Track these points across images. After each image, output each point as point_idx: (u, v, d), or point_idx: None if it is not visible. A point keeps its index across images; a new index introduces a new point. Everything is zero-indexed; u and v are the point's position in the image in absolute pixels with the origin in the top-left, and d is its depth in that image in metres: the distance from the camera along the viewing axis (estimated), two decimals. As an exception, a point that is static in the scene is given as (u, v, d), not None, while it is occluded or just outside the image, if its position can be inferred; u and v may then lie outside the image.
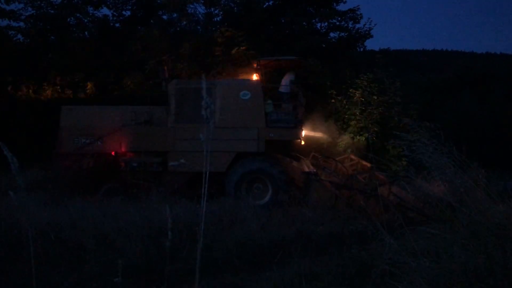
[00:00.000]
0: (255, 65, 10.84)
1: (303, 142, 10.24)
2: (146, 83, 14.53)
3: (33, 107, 14.26)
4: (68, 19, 17.12)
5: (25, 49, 15.89)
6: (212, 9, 18.56)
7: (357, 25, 18.69)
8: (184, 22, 18.19)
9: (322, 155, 11.12)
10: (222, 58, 14.28)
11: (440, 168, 3.93)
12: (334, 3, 18.88)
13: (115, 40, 16.67)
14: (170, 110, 9.60)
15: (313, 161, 10.57)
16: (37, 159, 11.14)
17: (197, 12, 18.36)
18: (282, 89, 10.61)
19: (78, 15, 17.18)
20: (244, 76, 12.88)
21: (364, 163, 10.57)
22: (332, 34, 19.25)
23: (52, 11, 16.68)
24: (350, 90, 13.65)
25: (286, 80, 10.68)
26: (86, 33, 17.97)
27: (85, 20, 17.52)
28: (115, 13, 18.69)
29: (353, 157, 11.09)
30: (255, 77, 10.63)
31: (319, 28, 19.00)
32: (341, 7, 19.23)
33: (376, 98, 13.30)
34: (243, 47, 14.05)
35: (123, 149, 9.67)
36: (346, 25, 18.84)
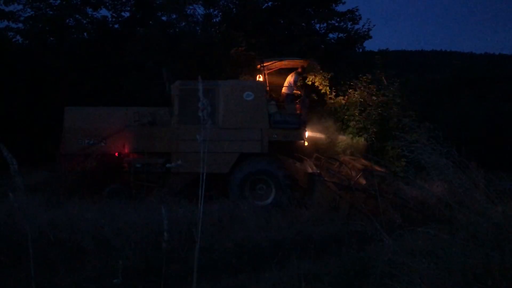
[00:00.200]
0: (258, 66, 10.85)
1: (306, 143, 10.26)
2: (144, 84, 14.53)
3: (32, 108, 14.25)
4: (67, 20, 17.10)
5: (24, 50, 15.88)
6: (211, 10, 18.57)
7: (356, 26, 18.71)
8: (183, 23, 18.19)
9: (326, 156, 11.12)
10: (221, 59, 14.28)
11: (438, 169, 3.94)
12: (333, 4, 18.90)
13: (114, 41, 16.66)
14: (174, 111, 9.60)
15: (316, 162, 10.58)
16: (37, 160, 11.14)
17: (196, 13, 18.37)
18: (285, 90, 10.62)
19: (77, 16, 17.15)
20: (244, 77, 12.91)
21: (364, 162, 10.56)
22: (331, 35, 19.27)
23: (51, 12, 16.65)
24: (349, 91, 13.66)
25: (289, 81, 10.69)
26: (85, 34, 17.96)
27: (84, 21, 17.50)
28: (114, 14, 18.67)
29: (353, 157, 11.08)
30: (258, 78, 10.65)
31: (318, 29, 19.02)
32: (340, 8, 19.28)
33: (375, 98, 13.30)
34: (242, 48, 14.06)
35: (126, 150, 9.69)
36: (345, 26, 18.85)
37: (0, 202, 6.14)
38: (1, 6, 15.85)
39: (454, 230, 3.61)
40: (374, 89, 13.42)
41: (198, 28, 18.65)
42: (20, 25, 16.41)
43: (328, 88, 13.70)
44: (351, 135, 13.03)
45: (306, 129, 10.18)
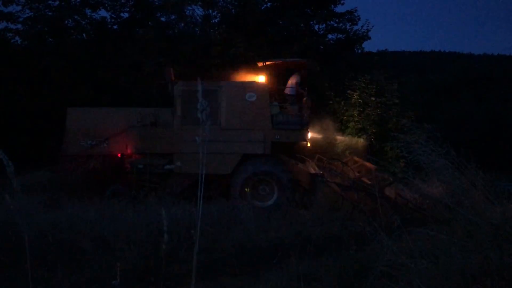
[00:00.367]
0: (260, 67, 10.87)
1: (309, 144, 10.28)
2: (143, 85, 14.53)
3: (31, 109, 14.24)
4: (66, 21, 17.09)
5: (23, 51, 15.87)
6: (210, 11, 18.58)
7: (355, 27, 18.73)
8: (182, 24, 18.20)
9: (328, 157, 11.12)
10: (220, 60, 14.29)
11: (437, 170, 3.95)
12: (332, 5, 18.92)
13: (113, 42, 16.66)
14: (176, 112, 9.61)
15: (318, 163, 10.59)
16: (37, 161, 11.14)
17: (195, 14, 18.39)
18: (288, 91, 10.64)
19: (76, 17, 17.14)
20: (244, 78, 12.91)
21: (368, 164, 10.57)
22: (330, 36, 19.29)
23: (50, 13, 16.64)
24: (348, 92, 13.68)
25: (292, 82, 10.71)
26: (84, 35, 17.95)
27: (83, 22, 17.49)
28: (113, 15, 18.66)
29: (356, 159, 11.09)
30: (261, 79, 10.66)
31: (317, 29, 19.04)
32: (339, 8, 19.29)
33: (374, 99, 13.32)
34: (240, 49, 14.07)
35: (129, 151, 9.69)
36: (344, 26, 18.87)
37: (-1, 203, 6.14)
38: (0, 7, 15.86)
39: (452, 230, 3.61)
40: (373, 90, 13.44)
41: (197, 29, 18.67)
42: (19, 26, 16.41)
43: (327, 88, 13.73)
44: (350, 136, 13.05)
45: (309, 129, 10.19)
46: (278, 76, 12.08)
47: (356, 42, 18.83)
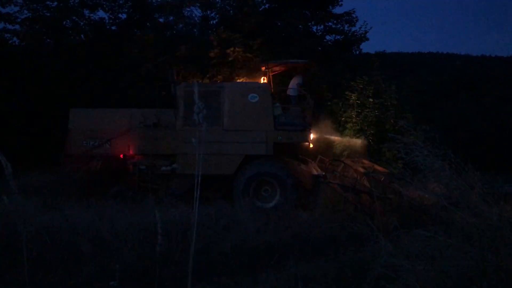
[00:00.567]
0: (263, 68, 10.88)
1: (311, 145, 10.28)
2: (141, 86, 14.52)
3: (29, 110, 14.21)
4: (64, 22, 17.07)
5: (21, 52, 15.84)
6: (209, 12, 18.60)
7: (353, 28, 18.80)
8: (181, 25, 18.21)
9: (330, 158, 11.12)
10: (218, 61, 14.30)
11: (435, 171, 3.96)
12: (330, 6, 18.96)
13: (111, 43, 16.65)
14: (179, 113, 9.60)
15: (320, 164, 10.59)
16: (36, 162, 11.11)
17: (193, 15, 18.40)
18: (290, 92, 10.64)
19: (74, 18, 17.13)
20: (243, 79, 12.93)
21: (365, 162, 10.53)
22: (328, 37, 19.35)
23: (48, 14, 16.61)
24: (346, 93, 13.70)
25: (294, 83, 10.72)
26: (82, 36, 17.94)
27: (81, 23, 17.49)
28: (111, 16, 18.67)
29: (365, 161, 11.04)
30: (263, 80, 10.67)
31: (315, 31, 19.07)
32: (337, 10, 19.31)
33: (372, 100, 13.34)
34: (239, 48, 14.07)
35: (131, 152, 9.68)
36: (342, 28, 18.92)
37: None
38: (-2, 8, 15.83)
39: (450, 232, 3.62)
40: (371, 91, 13.47)
41: (195, 30, 18.68)
42: (17, 26, 16.38)
43: (325, 90, 13.75)
44: (348, 137, 13.06)
45: (311, 130, 10.20)
46: (280, 77, 12.09)
47: (354, 43, 18.88)
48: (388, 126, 13.04)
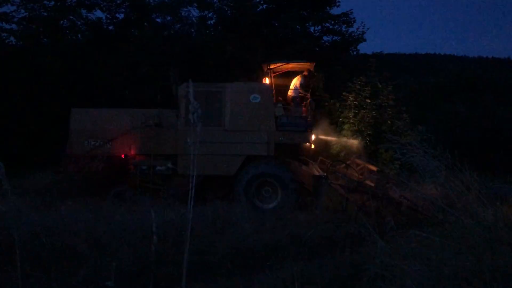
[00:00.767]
0: (265, 69, 10.87)
1: (313, 146, 10.27)
2: (139, 85, 14.50)
3: (26, 110, 14.17)
4: (61, 22, 17.04)
5: (18, 51, 15.79)
6: (206, 12, 18.59)
7: (350, 29, 18.81)
8: (178, 25, 18.20)
9: (331, 159, 11.11)
10: (215, 62, 14.29)
11: (431, 171, 3.96)
12: (328, 7, 18.98)
13: (109, 43, 16.62)
14: (180, 113, 9.58)
15: (320, 166, 10.59)
16: (35, 162, 11.09)
17: (191, 15, 18.39)
18: (291, 92, 10.64)
19: (71, 17, 17.10)
20: (240, 79, 12.91)
21: (370, 166, 10.55)
22: (325, 38, 19.36)
23: (45, 14, 16.58)
24: (344, 94, 13.70)
25: (295, 83, 10.71)
26: (79, 35, 17.90)
27: (78, 23, 17.46)
28: (108, 16, 18.63)
29: (358, 161, 11.07)
30: (265, 80, 10.65)
31: (312, 31, 19.09)
32: (334, 11, 19.34)
33: (369, 101, 13.35)
34: (236, 50, 14.08)
35: (132, 152, 9.67)
36: (339, 28, 18.94)
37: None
38: (-5, 7, 15.78)
39: (445, 232, 3.63)
40: (368, 92, 13.47)
41: (193, 30, 18.67)
42: (14, 26, 16.34)
43: (322, 90, 13.74)
44: (345, 138, 13.06)
45: (313, 131, 10.20)
46: (282, 78, 12.08)
47: (352, 44, 18.91)
48: (385, 127, 13.04)
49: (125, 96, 14.32)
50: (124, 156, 9.74)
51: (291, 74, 11.63)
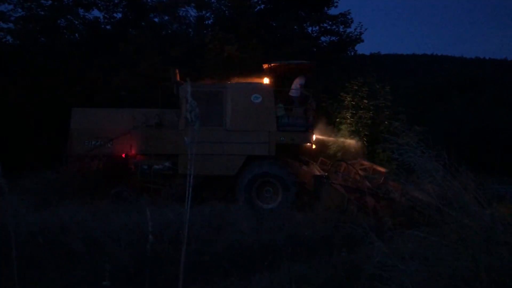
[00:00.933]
0: (266, 69, 10.86)
1: (314, 146, 10.28)
2: (136, 85, 14.46)
3: (23, 109, 14.11)
4: (59, 21, 16.97)
5: (15, 51, 15.72)
6: (204, 12, 18.58)
7: (348, 29, 18.85)
8: (176, 25, 18.17)
9: (331, 160, 11.11)
10: (213, 62, 14.27)
11: (428, 172, 3.96)
12: (325, 7, 19.00)
13: (106, 43, 16.57)
14: (181, 113, 9.57)
15: (321, 166, 10.59)
16: (33, 161, 11.03)
17: (189, 15, 18.38)
18: (293, 93, 10.65)
19: (68, 17, 17.03)
20: (238, 79, 12.90)
21: (379, 168, 10.51)
22: (323, 38, 19.40)
23: (42, 13, 16.49)
24: (341, 94, 13.72)
25: (296, 84, 10.73)
26: (76, 35, 17.83)
27: (76, 22, 17.38)
28: (106, 15, 18.57)
29: (365, 162, 11.03)
30: (266, 80, 10.65)
31: (310, 32, 19.10)
32: (332, 11, 19.37)
33: (366, 102, 13.37)
34: (235, 47, 14.06)
35: (133, 152, 9.65)
36: (337, 29, 18.97)
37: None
38: (-9, 6, 15.70)
39: (443, 233, 3.63)
40: (366, 93, 13.49)
41: (190, 30, 18.65)
42: (11, 25, 16.24)
43: (320, 90, 13.76)
44: (343, 138, 13.07)
45: (314, 132, 10.20)
46: (283, 78, 12.08)
47: (349, 45, 18.93)
48: (382, 127, 13.07)
49: (123, 96, 14.28)
50: (125, 155, 9.73)
51: (292, 74, 11.64)
